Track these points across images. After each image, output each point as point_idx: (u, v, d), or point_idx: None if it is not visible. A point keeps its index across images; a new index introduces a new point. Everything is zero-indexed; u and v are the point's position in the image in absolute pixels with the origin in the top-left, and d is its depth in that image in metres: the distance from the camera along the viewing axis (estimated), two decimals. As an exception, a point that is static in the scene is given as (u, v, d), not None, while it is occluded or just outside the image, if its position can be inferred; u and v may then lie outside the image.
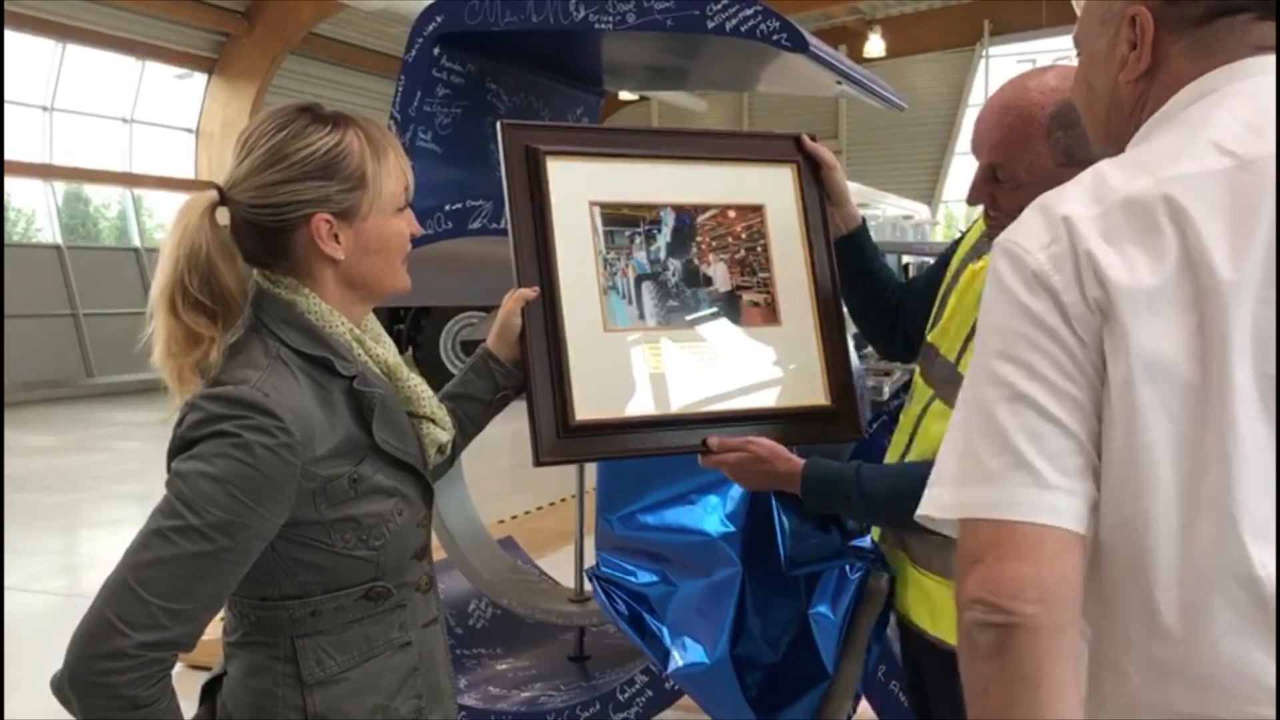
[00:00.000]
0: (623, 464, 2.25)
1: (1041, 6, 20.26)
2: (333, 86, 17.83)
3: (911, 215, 15.76)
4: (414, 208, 1.55)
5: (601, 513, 2.35)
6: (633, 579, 2.26)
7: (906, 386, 2.02)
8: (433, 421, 1.55)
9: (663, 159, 1.97)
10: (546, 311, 1.78)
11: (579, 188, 1.86)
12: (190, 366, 1.38)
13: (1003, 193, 1.71)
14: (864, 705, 2.77)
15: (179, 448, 1.34)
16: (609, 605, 2.26)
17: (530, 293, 1.77)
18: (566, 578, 3.90)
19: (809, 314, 1.97)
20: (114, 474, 8.62)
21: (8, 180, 13.34)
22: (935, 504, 1.09)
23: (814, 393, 1.95)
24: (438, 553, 3.73)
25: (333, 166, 1.42)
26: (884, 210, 14.53)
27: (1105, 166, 1.07)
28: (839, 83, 2.91)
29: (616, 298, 1.85)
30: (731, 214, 1.96)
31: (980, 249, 1.89)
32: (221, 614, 1.46)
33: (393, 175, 1.48)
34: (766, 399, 1.92)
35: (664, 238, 1.91)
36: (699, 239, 1.93)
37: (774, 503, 1.97)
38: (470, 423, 1.74)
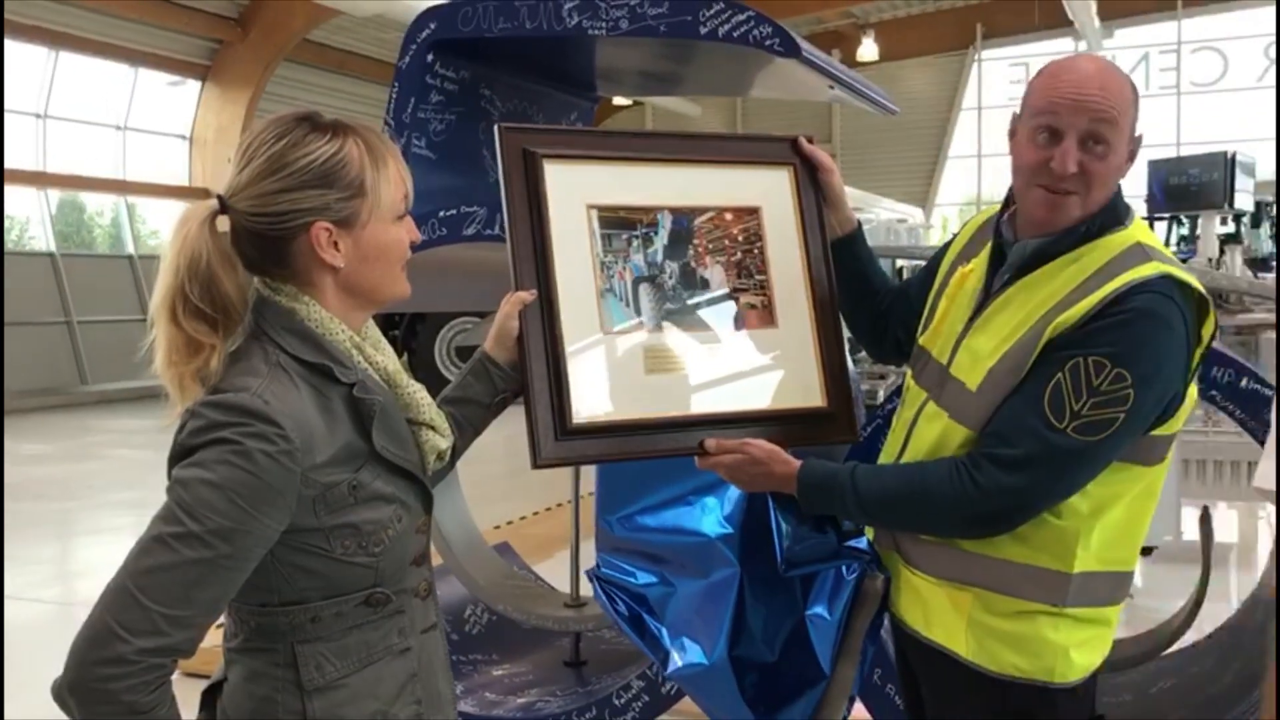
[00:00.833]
0: (621, 465, 2.25)
1: (1034, 10, 20.32)
2: (327, 93, 17.82)
3: (905, 219, 15.80)
4: (410, 214, 1.56)
5: (600, 514, 2.36)
6: (632, 580, 2.26)
7: (901, 391, 2.03)
8: (432, 428, 1.56)
9: (660, 162, 1.98)
10: (544, 314, 1.79)
11: (576, 191, 1.86)
12: (191, 374, 1.38)
13: (1092, 159, 1.67)
14: (859, 707, 2.78)
15: (179, 455, 1.34)
16: (609, 606, 2.27)
17: (528, 296, 1.78)
18: (562, 583, 3.90)
19: (805, 316, 1.98)
20: (109, 482, 8.60)
21: (1, 188, 13.30)
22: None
23: (810, 395, 1.95)
24: (434, 559, 3.72)
25: (332, 175, 1.43)
26: (878, 214, 14.57)
27: None
28: (832, 87, 2.92)
29: (614, 300, 1.86)
30: (728, 216, 1.97)
31: (970, 251, 1.90)
32: (221, 620, 1.46)
33: (392, 183, 1.48)
34: (763, 401, 1.92)
35: (661, 240, 1.91)
36: (696, 241, 1.94)
37: (771, 504, 1.97)
38: (469, 426, 1.75)
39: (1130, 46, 21.63)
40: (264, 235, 1.43)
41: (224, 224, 1.44)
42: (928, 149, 22.38)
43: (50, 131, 15.40)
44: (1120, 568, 1.78)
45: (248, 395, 1.34)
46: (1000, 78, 21.73)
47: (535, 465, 1.77)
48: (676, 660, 2.13)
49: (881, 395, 6.80)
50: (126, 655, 1.25)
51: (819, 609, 1.98)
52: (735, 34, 2.53)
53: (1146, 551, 5.09)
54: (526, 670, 3.60)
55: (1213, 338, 1.73)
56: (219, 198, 1.44)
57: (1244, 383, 2.60)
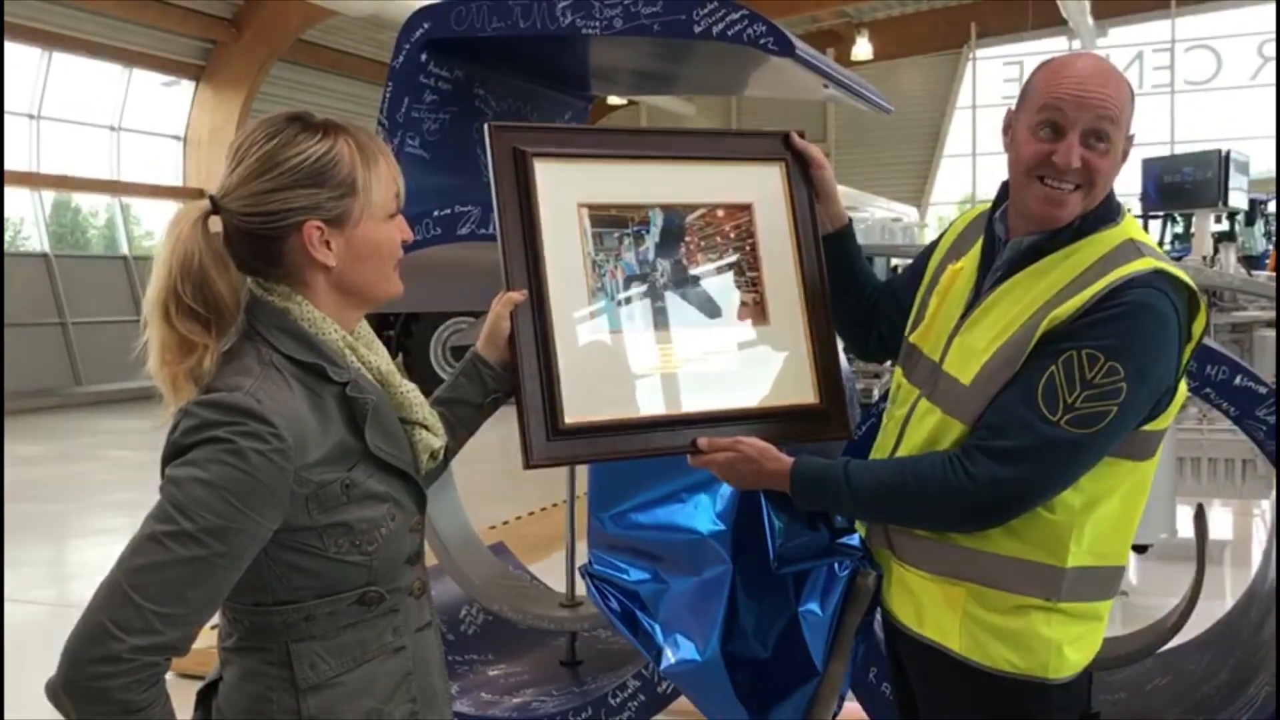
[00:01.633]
0: (614, 463, 2.25)
1: (1028, 9, 20.34)
2: (321, 93, 17.80)
3: (900, 218, 15.80)
4: (403, 214, 1.56)
5: (594, 511, 2.36)
6: (625, 577, 2.27)
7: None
8: (425, 427, 1.56)
9: (651, 159, 1.97)
10: (535, 314, 1.78)
11: (567, 190, 1.86)
12: (184, 374, 1.39)
13: (1094, 156, 1.69)
14: (853, 705, 2.78)
15: (173, 454, 1.35)
16: (602, 603, 2.27)
17: (519, 295, 1.78)
18: (558, 583, 3.90)
19: (797, 313, 1.98)
20: (103, 483, 8.59)
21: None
22: None
23: (802, 392, 1.95)
24: (429, 559, 3.72)
25: (323, 174, 1.43)
26: (872, 213, 14.57)
27: None
28: (826, 86, 2.92)
29: (605, 299, 1.85)
30: (720, 213, 1.97)
31: (961, 248, 1.90)
32: (215, 621, 1.46)
33: (383, 182, 1.49)
34: (755, 398, 1.92)
35: (653, 238, 1.91)
36: (688, 239, 1.93)
37: (763, 501, 1.97)
38: (462, 426, 1.75)
39: (1124, 45, 21.67)
40: (256, 235, 1.43)
41: (217, 224, 1.44)
42: (922, 148, 22.40)
43: (44, 132, 15.36)
44: (1112, 562, 1.78)
45: (240, 394, 1.34)
46: (994, 76, 21.78)
47: (527, 466, 1.77)
48: (669, 657, 2.14)
49: (876, 393, 6.81)
50: (120, 653, 1.25)
51: (811, 605, 1.98)
52: (729, 33, 2.52)
53: (1141, 549, 5.11)
54: (522, 670, 3.60)
55: (1204, 333, 1.74)
56: (211, 198, 1.44)
57: (1238, 380, 2.61)
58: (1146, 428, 1.71)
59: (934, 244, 2.02)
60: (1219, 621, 3.43)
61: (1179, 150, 16.29)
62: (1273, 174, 14.97)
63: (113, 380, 14.28)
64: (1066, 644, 1.74)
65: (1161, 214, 13.35)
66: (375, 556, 1.44)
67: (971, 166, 22.04)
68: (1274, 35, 19.43)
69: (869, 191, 16.61)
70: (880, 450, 1.92)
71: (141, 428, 10.58)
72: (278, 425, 1.33)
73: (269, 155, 1.42)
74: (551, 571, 4.31)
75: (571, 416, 1.78)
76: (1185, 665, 3.24)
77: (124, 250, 16.48)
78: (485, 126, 1.85)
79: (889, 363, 2.06)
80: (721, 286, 1.94)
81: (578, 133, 2.23)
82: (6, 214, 15.36)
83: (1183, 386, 1.75)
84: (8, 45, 13.85)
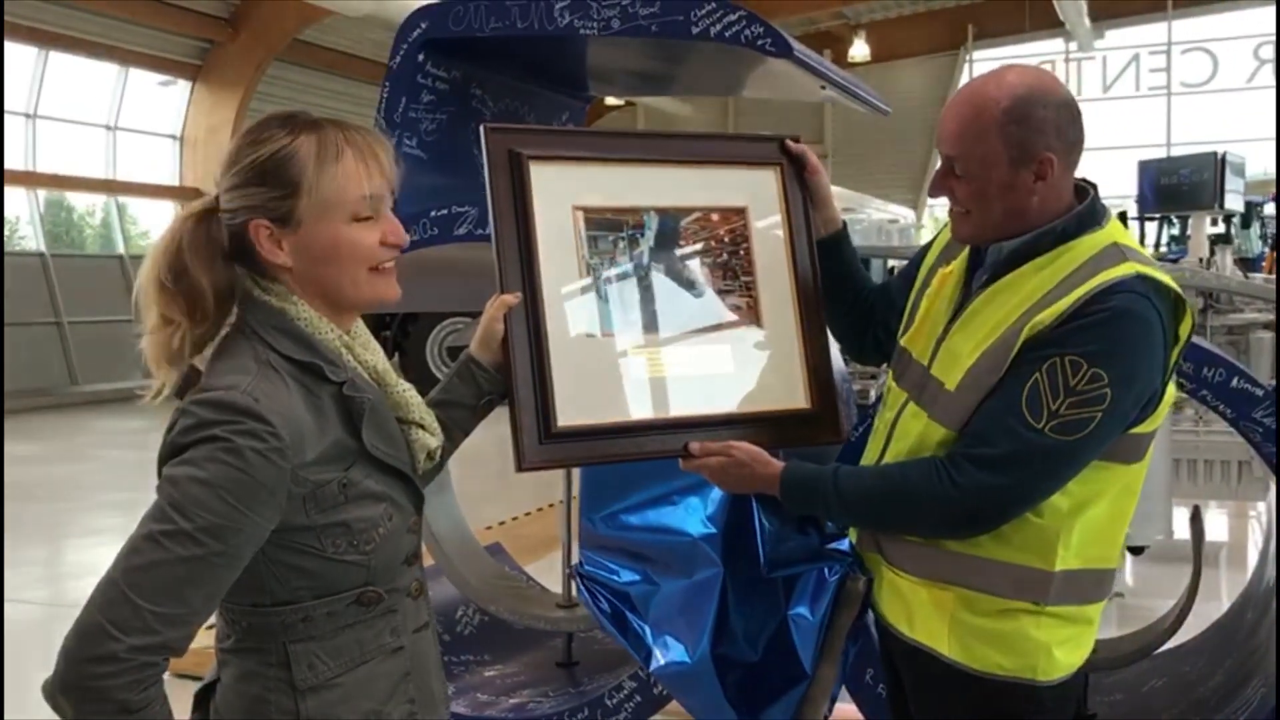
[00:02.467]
0: (606, 465, 2.26)
1: (1025, 11, 20.38)
2: (318, 93, 17.79)
3: (897, 219, 15.82)
4: (397, 214, 1.54)
5: (585, 512, 2.37)
6: (615, 578, 2.27)
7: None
8: (422, 427, 1.56)
9: (647, 162, 1.97)
10: (529, 317, 1.78)
11: (562, 192, 1.86)
12: (160, 347, 1.41)
13: (960, 185, 1.73)
14: (847, 706, 2.78)
15: (170, 453, 1.34)
16: (592, 603, 2.28)
17: (513, 298, 1.77)
18: (554, 583, 3.90)
19: (791, 317, 1.98)
20: (99, 482, 8.58)
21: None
22: None
23: (794, 396, 1.95)
24: (425, 559, 3.72)
25: (271, 173, 1.41)
26: (869, 214, 14.59)
27: None
28: (824, 87, 2.92)
29: (599, 302, 1.85)
30: (715, 217, 1.97)
31: (951, 253, 1.90)
32: (213, 622, 1.46)
33: (341, 180, 1.43)
34: (748, 402, 1.92)
35: (647, 241, 1.91)
36: (682, 242, 1.93)
37: (754, 505, 1.98)
38: (456, 428, 1.74)
39: (1121, 47, 21.72)
40: (229, 231, 1.44)
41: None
42: (919, 149, 22.41)
43: (40, 131, 15.34)
44: (1102, 565, 1.78)
45: (237, 393, 1.34)
46: (992, 79, 21.77)
47: (520, 469, 1.77)
48: (659, 658, 2.14)
49: (873, 395, 6.81)
50: (118, 653, 1.25)
51: (801, 609, 1.99)
52: (727, 34, 2.53)
53: (1138, 551, 5.11)
54: (519, 671, 3.60)
55: (1190, 336, 1.74)
56: (217, 196, 1.47)
57: (1235, 382, 2.61)
58: (1134, 431, 1.71)
59: (928, 246, 2.02)
60: (1215, 623, 3.43)
61: (1175, 152, 16.34)
62: (1268, 176, 15.00)
63: (108, 380, 14.26)
64: (1056, 646, 1.74)
65: (1158, 216, 13.36)
66: (373, 556, 1.44)
67: (968, 168, 22.03)
68: (1270, 38, 19.48)
69: (866, 193, 16.63)
70: (870, 453, 1.92)
71: (137, 427, 10.57)
72: (275, 424, 1.33)
73: (236, 151, 1.44)
74: (548, 572, 4.31)
75: (564, 420, 1.78)
76: (1182, 667, 3.25)
77: (120, 250, 16.46)
78: (481, 128, 1.85)
79: (885, 365, 2.06)
80: (715, 290, 1.94)
81: (573, 135, 2.23)
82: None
83: (1171, 388, 1.75)
84: (5, 44, 13.84)
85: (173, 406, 1.40)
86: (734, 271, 1.96)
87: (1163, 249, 14.19)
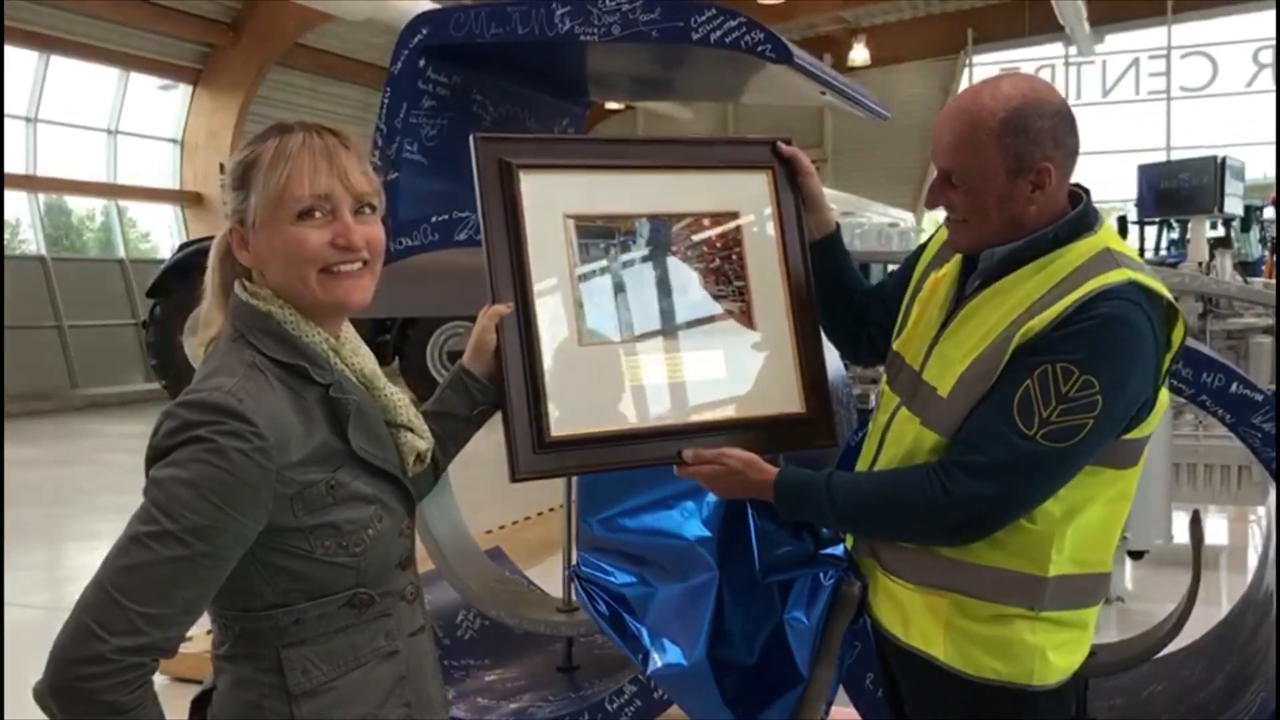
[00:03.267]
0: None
1: (1024, 15, 20.39)
2: (318, 97, 17.80)
3: (897, 223, 15.81)
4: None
5: (582, 514, 2.38)
6: (612, 579, 2.28)
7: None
8: (410, 430, 1.56)
9: (638, 169, 1.97)
10: (521, 327, 1.78)
11: (553, 201, 1.85)
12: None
13: (957, 196, 1.73)
14: (847, 710, 2.78)
15: (155, 456, 1.35)
16: (590, 605, 2.28)
17: (505, 308, 1.77)
18: (555, 588, 3.90)
19: (784, 321, 1.98)
20: (99, 486, 8.57)
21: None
22: None
23: (789, 400, 1.95)
24: (425, 564, 3.72)
25: (240, 177, 1.47)
26: (869, 218, 14.59)
27: None
28: (823, 93, 2.93)
29: (591, 311, 1.85)
30: (707, 222, 1.96)
31: (944, 256, 1.91)
32: (209, 629, 1.46)
33: (287, 179, 1.43)
34: (742, 407, 1.92)
35: (639, 248, 1.91)
36: (674, 248, 1.93)
37: (749, 510, 1.98)
38: (451, 440, 1.75)
39: (1120, 51, 21.72)
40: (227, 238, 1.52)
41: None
42: (919, 153, 22.40)
43: (40, 135, 15.35)
44: (1095, 569, 1.78)
45: (220, 394, 1.35)
46: (991, 83, 21.77)
47: (514, 479, 1.77)
48: (656, 661, 2.15)
49: (873, 400, 6.80)
50: (105, 654, 1.25)
51: (797, 613, 2.00)
52: (727, 40, 2.53)
53: (1138, 555, 5.11)
54: (519, 675, 3.60)
55: (1183, 342, 1.74)
56: None
57: (1234, 388, 2.61)
58: (1128, 436, 1.71)
59: (921, 248, 2.02)
60: (1215, 627, 3.43)
61: (1175, 156, 16.34)
62: (1267, 180, 15.01)
63: (109, 384, 14.27)
64: (1051, 650, 1.74)
65: (1157, 220, 13.38)
66: (363, 558, 1.44)
67: (968, 172, 22.03)
68: (1269, 42, 19.50)
69: (866, 197, 16.63)
70: (863, 457, 1.92)
71: (137, 431, 10.57)
72: (258, 424, 1.34)
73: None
74: (548, 577, 4.31)
75: (558, 429, 1.78)
76: (1181, 671, 3.25)
77: (120, 254, 16.46)
78: (471, 138, 1.85)
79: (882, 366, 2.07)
80: (708, 295, 1.93)
81: (564, 143, 2.23)
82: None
83: (1164, 394, 1.75)
84: (5, 48, 13.85)
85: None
86: (726, 276, 1.95)
87: (1162, 253, 14.20)
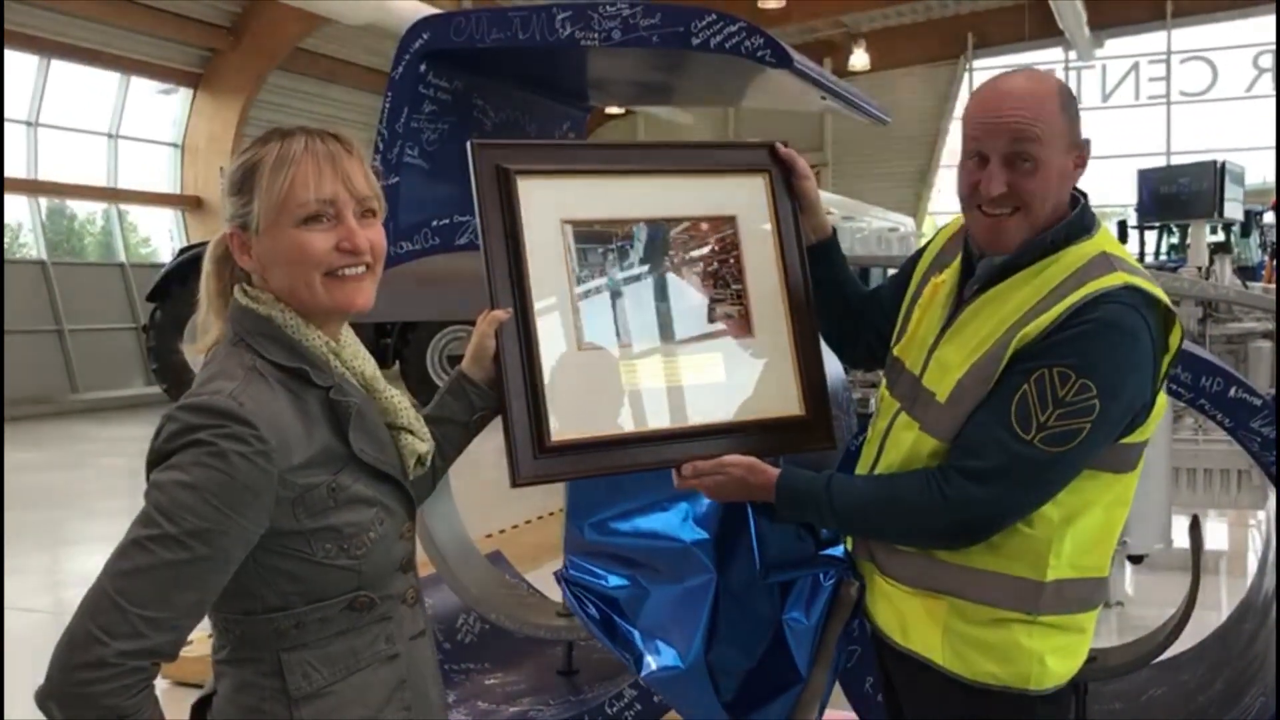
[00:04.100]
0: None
1: (1024, 20, 20.41)
2: (319, 101, 17.82)
3: (897, 228, 15.82)
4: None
5: (571, 518, 2.36)
6: (603, 583, 2.27)
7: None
8: (411, 432, 1.56)
9: (635, 174, 1.97)
10: (520, 332, 1.78)
11: (551, 206, 1.86)
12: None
13: (1020, 178, 1.68)
14: (847, 714, 2.78)
15: (156, 459, 1.35)
16: (579, 609, 2.27)
17: (503, 314, 1.78)
18: (555, 592, 3.89)
19: (782, 324, 1.98)
20: (99, 490, 8.57)
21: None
22: None
23: (788, 403, 1.95)
24: (426, 568, 3.73)
25: (240, 181, 1.47)
26: (870, 223, 14.59)
27: None
28: (824, 97, 2.93)
29: (589, 315, 1.85)
30: (704, 226, 1.96)
31: (943, 260, 1.91)
32: (210, 633, 1.46)
33: (291, 184, 1.43)
34: (741, 411, 1.92)
35: (637, 253, 1.91)
36: (672, 253, 1.93)
37: (749, 511, 1.98)
38: (449, 445, 1.75)
39: (1120, 56, 21.75)
40: (225, 242, 1.53)
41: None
42: (919, 158, 22.44)
43: (41, 139, 15.37)
44: (1093, 574, 1.78)
45: (221, 398, 1.35)
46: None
47: (514, 484, 1.77)
48: (650, 663, 2.14)
49: (873, 404, 6.80)
50: (106, 658, 1.25)
51: (796, 614, 2.00)
52: (727, 45, 2.54)
53: (1137, 560, 5.11)
54: (519, 679, 3.60)
55: (1180, 346, 1.74)
56: None
57: (1233, 392, 2.62)
58: (1126, 440, 1.71)
59: (919, 253, 2.02)
60: (1214, 632, 3.44)
61: (1175, 161, 16.36)
62: (1267, 185, 15.01)
63: (109, 387, 14.28)
64: (1049, 655, 1.74)
65: (1157, 224, 13.38)
66: (364, 561, 1.44)
67: (968, 176, 22.04)
68: (1269, 47, 19.52)
69: (866, 201, 16.64)
70: (863, 462, 1.92)
71: (138, 435, 10.57)
72: (259, 427, 1.34)
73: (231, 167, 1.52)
74: (548, 580, 4.30)
75: (557, 434, 1.78)
76: (1181, 675, 3.25)
77: (121, 258, 16.47)
78: (468, 144, 1.85)
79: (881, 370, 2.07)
80: (706, 300, 1.93)
81: (561, 149, 2.23)
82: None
83: (1162, 398, 1.75)
84: (6, 52, 13.86)
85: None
86: (724, 280, 1.95)
87: (1162, 257, 14.20)
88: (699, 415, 1.88)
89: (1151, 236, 14.55)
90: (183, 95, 17.08)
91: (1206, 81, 21.45)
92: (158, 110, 17.05)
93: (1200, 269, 7.75)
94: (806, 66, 2.65)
